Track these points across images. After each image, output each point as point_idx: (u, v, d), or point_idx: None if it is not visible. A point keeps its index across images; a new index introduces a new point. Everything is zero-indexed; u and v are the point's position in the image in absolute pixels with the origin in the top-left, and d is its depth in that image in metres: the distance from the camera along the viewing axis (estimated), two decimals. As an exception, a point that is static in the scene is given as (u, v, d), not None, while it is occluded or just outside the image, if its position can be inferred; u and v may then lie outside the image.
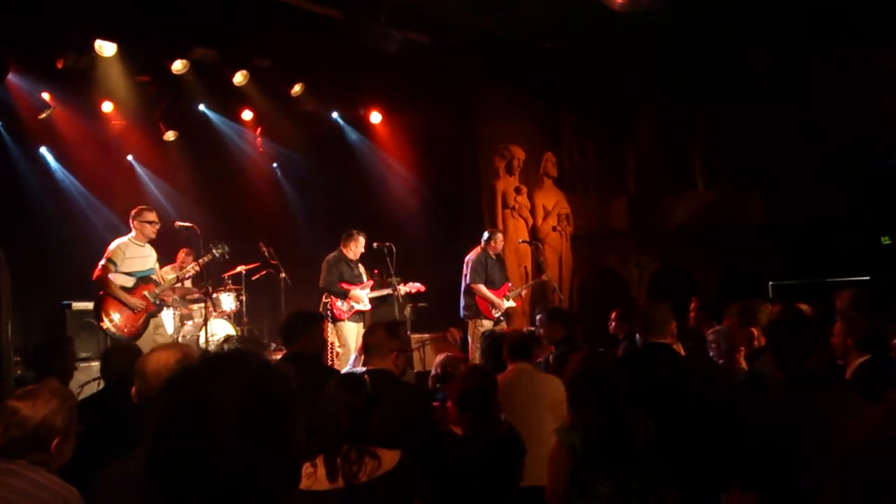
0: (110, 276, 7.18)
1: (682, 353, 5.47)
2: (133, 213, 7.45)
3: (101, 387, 7.71)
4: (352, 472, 2.75)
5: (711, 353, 5.43)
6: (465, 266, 9.01)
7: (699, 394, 3.99)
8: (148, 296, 7.32)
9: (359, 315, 8.66)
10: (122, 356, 4.37)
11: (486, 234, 9.06)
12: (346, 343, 8.51)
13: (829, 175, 10.33)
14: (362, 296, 8.64)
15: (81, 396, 7.28)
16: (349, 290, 8.56)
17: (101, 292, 7.25)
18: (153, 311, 7.40)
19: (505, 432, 3.83)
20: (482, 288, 8.82)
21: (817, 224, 10.23)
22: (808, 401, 2.92)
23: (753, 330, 4.35)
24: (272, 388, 1.29)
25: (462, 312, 8.97)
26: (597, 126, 11.97)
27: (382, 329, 4.36)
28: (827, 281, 8.96)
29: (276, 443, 1.25)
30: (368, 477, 2.75)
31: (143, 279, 7.36)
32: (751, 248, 11.29)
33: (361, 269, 8.88)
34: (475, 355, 7.83)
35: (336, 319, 8.60)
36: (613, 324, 7.86)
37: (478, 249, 9.00)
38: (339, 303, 8.58)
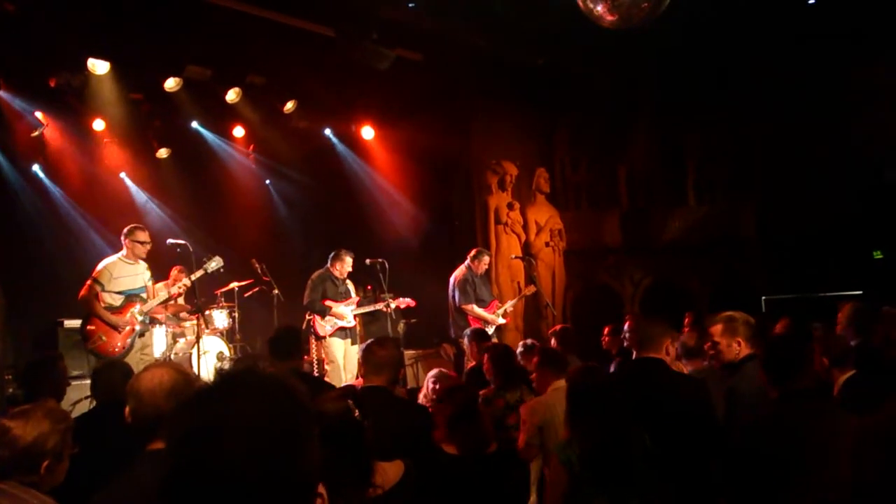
0: (95, 297, 7.11)
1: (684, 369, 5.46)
2: (125, 231, 7.37)
3: (92, 404, 7.69)
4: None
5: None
6: (450, 286, 9.02)
7: (689, 408, 3.99)
8: (134, 313, 7.23)
9: (344, 331, 8.63)
10: (111, 374, 4.34)
11: (472, 254, 9.08)
12: (334, 359, 8.50)
13: (821, 189, 10.37)
14: (345, 312, 8.61)
15: (73, 414, 7.24)
16: (331, 308, 8.55)
17: (85, 312, 7.21)
18: (140, 329, 7.31)
19: (496, 448, 3.82)
20: (474, 308, 8.85)
21: (810, 238, 10.27)
22: (797, 418, 2.93)
23: (740, 340, 4.35)
24: (287, 406, 1.28)
25: (454, 332, 8.97)
26: (589, 141, 12.01)
27: (379, 346, 4.31)
28: (819, 296, 8.99)
29: (291, 461, 1.24)
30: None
31: (132, 297, 7.28)
32: (744, 262, 11.33)
33: (350, 285, 8.86)
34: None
35: (319, 337, 8.59)
36: (607, 339, 7.90)
37: (463, 269, 9.02)
38: (320, 320, 8.56)
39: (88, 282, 7.17)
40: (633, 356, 4.46)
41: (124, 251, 7.32)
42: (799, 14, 9.02)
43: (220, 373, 1.35)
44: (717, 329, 4.42)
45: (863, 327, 5.35)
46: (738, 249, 11.39)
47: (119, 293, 7.21)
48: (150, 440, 2.51)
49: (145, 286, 7.41)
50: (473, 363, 6.81)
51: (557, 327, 7.71)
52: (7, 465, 2.67)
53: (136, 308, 7.25)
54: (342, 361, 8.49)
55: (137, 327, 7.26)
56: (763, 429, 3.03)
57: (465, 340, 7.45)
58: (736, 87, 10.63)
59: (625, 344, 6.83)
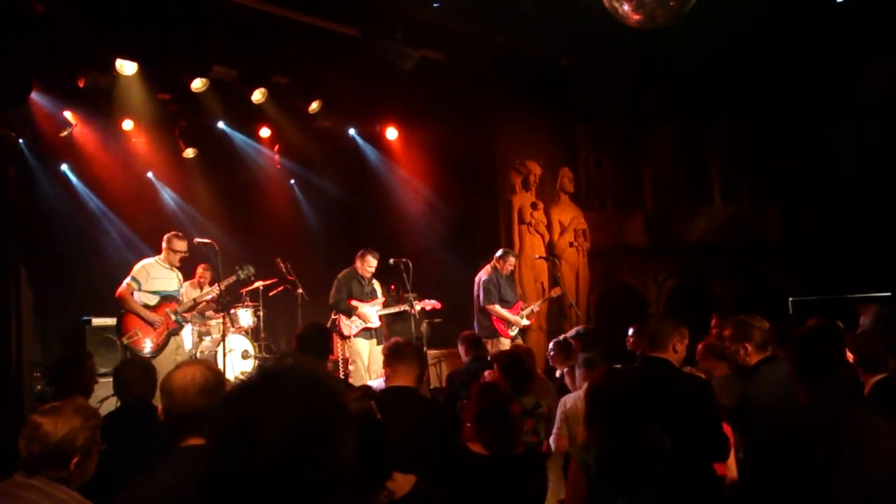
0: (132, 294, 7.31)
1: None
2: (165, 237, 7.66)
3: (118, 402, 7.81)
4: None
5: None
6: (475, 286, 9.03)
7: (691, 409, 3.97)
8: (169, 313, 7.42)
9: (369, 332, 8.65)
10: (132, 372, 4.39)
11: (497, 254, 9.08)
12: (357, 359, 8.52)
13: (848, 189, 10.26)
14: (370, 313, 8.63)
15: (100, 412, 7.35)
16: (356, 308, 8.57)
17: (121, 309, 7.37)
18: (174, 329, 7.49)
19: (523, 451, 3.81)
20: (498, 308, 8.85)
21: (837, 239, 10.15)
22: (830, 426, 2.88)
23: (747, 345, 4.33)
24: (325, 405, 1.30)
25: (479, 333, 8.96)
26: (613, 141, 11.95)
27: (404, 346, 4.32)
28: (847, 297, 8.89)
29: (330, 457, 1.26)
30: None
31: (167, 298, 7.48)
32: (769, 263, 11.23)
33: (376, 285, 8.88)
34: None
35: (343, 336, 8.62)
36: (631, 339, 7.86)
37: (488, 269, 9.03)
38: (345, 320, 8.58)
39: (126, 280, 7.39)
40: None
41: (162, 255, 7.57)
42: (821, 12, 8.93)
43: (260, 369, 1.36)
44: (727, 333, 4.46)
45: (889, 330, 5.30)
46: (763, 250, 11.30)
47: (154, 293, 7.44)
48: (183, 437, 2.53)
49: (179, 290, 7.62)
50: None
51: (577, 328, 7.73)
52: (38, 461, 2.71)
53: (171, 308, 7.43)
54: (367, 361, 8.52)
55: (171, 327, 7.43)
56: (794, 437, 2.97)
57: (459, 342, 7.39)
58: (760, 85, 10.53)
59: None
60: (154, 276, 7.46)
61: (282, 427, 1.22)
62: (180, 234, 7.80)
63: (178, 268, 7.70)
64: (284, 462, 1.21)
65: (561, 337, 7.66)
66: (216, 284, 7.93)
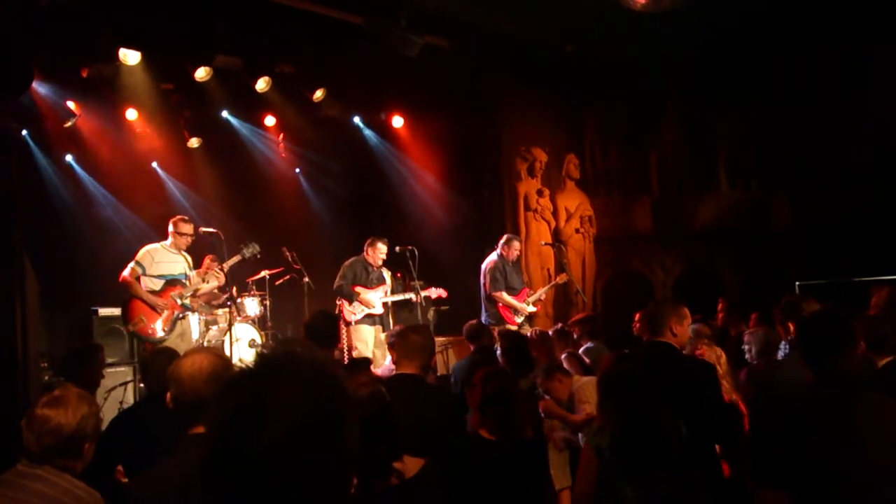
0: (136, 279, 7.32)
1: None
2: (171, 221, 7.69)
3: (126, 392, 7.84)
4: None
5: (747, 356, 5.43)
6: (481, 274, 9.01)
7: (698, 393, 3.96)
8: (174, 297, 7.41)
9: (372, 318, 8.65)
10: (161, 362, 4.37)
11: (502, 240, 9.06)
12: (361, 346, 8.52)
13: (855, 173, 10.20)
14: (374, 299, 8.63)
15: (108, 402, 7.41)
16: (359, 294, 8.56)
17: (126, 295, 7.38)
18: (180, 314, 7.49)
19: (532, 436, 3.80)
20: (504, 295, 8.83)
21: (844, 223, 10.09)
22: (834, 403, 2.88)
23: (790, 325, 4.32)
24: (328, 391, 1.29)
25: (486, 320, 8.95)
26: (619, 127, 11.90)
27: (412, 333, 4.31)
28: (855, 281, 8.85)
29: (331, 444, 1.25)
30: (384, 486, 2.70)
31: (172, 282, 7.47)
32: (777, 248, 11.18)
33: (385, 273, 8.87)
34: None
35: (346, 323, 8.63)
36: (637, 325, 7.85)
37: (493, 256, 9.01)
38: (348, 305, 8.59)
39: (130, 264, 7.40)
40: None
41: (169, 240, 7.62)
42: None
43: (261, 356, 1.35)
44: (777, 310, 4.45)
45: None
46: (770, 235, 11.25)
47: (159, 277, 7.44)
48: (192, 425, 2.53)
49: (186, 274, 7.61)
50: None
51: (579, 316, 7.71)
52: (49, 452, 2.72)
53: (176, 292, 7.43)
54: (371, 348, 8.52)
55: (177, 312, 7.44)
56: (799, 415, 2.96)
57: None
58: (768, 71, 10.46)
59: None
60: (159, 260, 7.47)
61: (287, 413, 1.21)
62: (186, 217, 7.84)
63: (186, 251, 7.70)
64: (290, 448, 1.20)
65: (558, 324, 7.65)
66: (220, 266, 7.90)
